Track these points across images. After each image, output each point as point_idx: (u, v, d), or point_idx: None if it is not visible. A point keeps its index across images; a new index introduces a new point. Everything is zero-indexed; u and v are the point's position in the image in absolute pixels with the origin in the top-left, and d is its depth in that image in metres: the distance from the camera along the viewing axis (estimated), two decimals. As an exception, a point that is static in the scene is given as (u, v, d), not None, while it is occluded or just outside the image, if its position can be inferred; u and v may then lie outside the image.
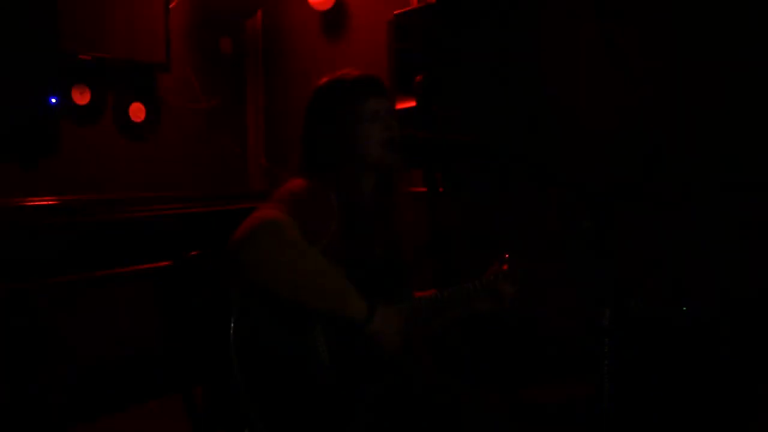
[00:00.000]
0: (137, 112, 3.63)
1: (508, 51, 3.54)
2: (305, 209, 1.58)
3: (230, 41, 4.10)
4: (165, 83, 3.77)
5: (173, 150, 3.83)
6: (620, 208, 1.63)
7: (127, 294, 3.03)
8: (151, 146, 3.72)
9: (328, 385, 1.55)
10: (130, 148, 3.62)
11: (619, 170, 3.19)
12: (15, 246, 2.69)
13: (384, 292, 1.69)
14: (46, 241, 2.80)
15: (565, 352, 3.35)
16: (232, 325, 1.50)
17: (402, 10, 3.19)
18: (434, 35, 3.06)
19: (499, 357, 3.38)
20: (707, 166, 3.05)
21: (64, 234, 2.84)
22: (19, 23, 2.28)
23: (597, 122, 3.34)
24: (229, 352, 1.48)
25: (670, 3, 3.12)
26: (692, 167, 3.03)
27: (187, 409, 1.65)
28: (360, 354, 1.60)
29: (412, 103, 3.08)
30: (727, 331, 2.81)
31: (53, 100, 2.37)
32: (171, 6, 3.65)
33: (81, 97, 3.37)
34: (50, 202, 3.14)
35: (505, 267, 1.81)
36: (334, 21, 3.97)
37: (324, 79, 1.79)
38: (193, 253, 1.75)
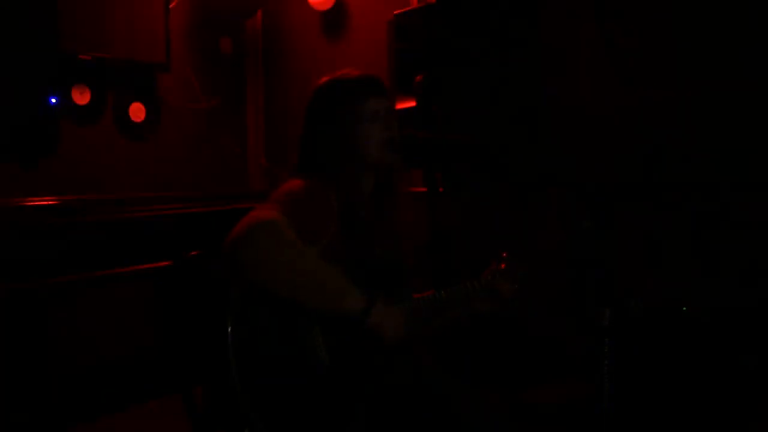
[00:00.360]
0: (137, 112, 3.63)
1: (508, 51, 3.54)
2: (303, 209, 1.58)
3: (230, 41, 4.10)
4: (165, 83, 3.77)
5: (173, 150, 3.83)
6: (620, 208, 1.63)
7: (127, 294, 3.03)
8: (151, 146, 3.71)
9: (327, 385, 1.55)
10: (130, 148, 3.61)
11: (619, 170, 3.20)
12: (15, 246, 2.69)
13: (383, 293, 1.69)
14: (46, 241, 2.80)
15: (565, 352, 3.35)
16: (230, 325, 1.50)
17: (402, 10, 3.19)
18: (434, 35, 3.06)
19: (499, 357, 3.38)
20: (707, 166, 3.05)
21: (64, 234, 2.84)
22: (19, 23, 2.28)
23: (597, 122, 3.34)
24: (228, 352, 1.48)
25: (671, 3, 3.12)
26: (692, 167, 3.03)
27: (187, 409, 1.65)
28: (359, 354, 1.60)
29: (412, 103, 3.08)
30: (727, 332, 2.82)
31: (53, 100, 2.37)
32: (171, 6, 3.65)
33: (81, 97, 3.37)
34: (50, 202, 3.14)
35: (504, 266, 1.81)
36: (334, 21, 3.97)
37: (324, 79, 1.80)
38: (193, 253, 1.75)
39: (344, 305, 1.54)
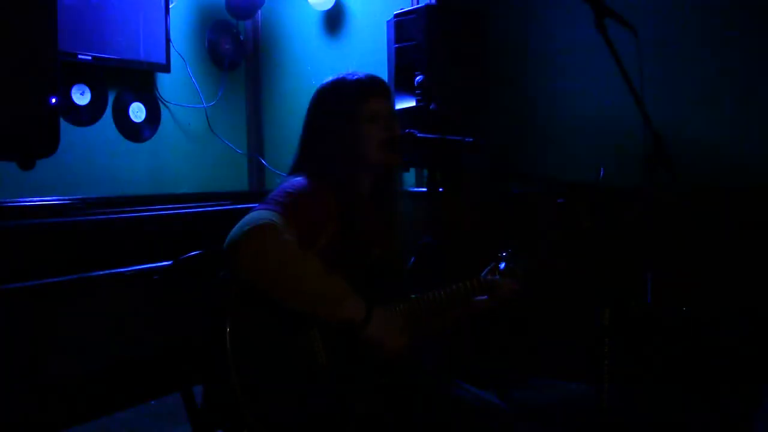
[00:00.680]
0: (137, 112, 3.63)
1: (508, 51, 3.54)
2: (302, 209, 1.57)
3: (230, 41, 4.10)
4: (165, 83, 3.77)
5: (173, 150, 3.83)
6: (621, 208, 1.63)
7: (127, 294, 3.03)
8: (151, 146, 3.71)
9: (326, 386, 1.55)
10: (130, 148, 3.61)
11: (620, 170, 3.19)
12: (14, 246, 2.69)
13: (383, 293, 1.69)
14: (46, 241, 2.80)
15: (565, 352, 3.35)
16: (229, 325, 1.50)
17: (402, 10, 3.19)
18: (434, 35, 3.06)
19: (499, 356, 3.37)
20: (707, 167, 3.05)
21: (64, 234, 2.83)
22: (19, 23, 2.27)
23: (597, 123, 3.34)
24: (227, 352, 1.48)
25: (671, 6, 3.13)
26: (692, 168, 3.03)
27: (187, 409, 1.65)
28: (357, 355, 1.59)
29: (412, 103, 3.08)
30: (727, 332, 2.81)
31: (53, 100, 2.36)
32: (171, 6, 3.65)
33: (81, 97, 3.37)
34: (50, 202, 3.14)
35: (505, 265, 1.81)
36: (334, 21, 3.97)
37: (327, 80, 1.80)
38: (193, 253, 1.75)
39: (343, 312, 1.53)
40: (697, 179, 3.02)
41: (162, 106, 3.77)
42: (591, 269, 1.63)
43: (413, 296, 1.73)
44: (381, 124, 1.74)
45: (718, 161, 3.03)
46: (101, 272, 2.84)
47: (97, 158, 3.46)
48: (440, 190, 2.71)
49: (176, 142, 3.85)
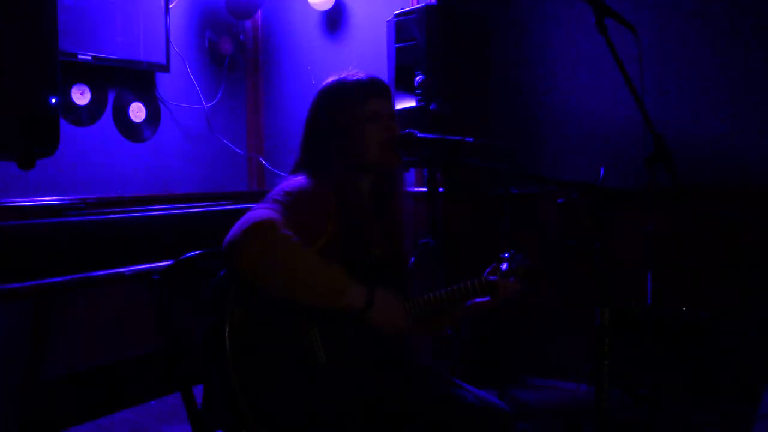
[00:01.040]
0: (137, 112, 3.63)
1: (508, 51, 3.54)
2: (301, 208, 1.57)
3: (230, 41, 4.10)
4: (165, 83, 3.77)
5: (173, 150, 3.83)
6: (621, 208, 1.63)
7: (127, 294, 3.03)
8: (151, 146, 3.71)
9: (325, 384, 1.55)
10: (130, 148, 3.61)
11: (620, 170, 3.19)
12: (14, 246, 2.69)
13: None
14: (46, 240, 2.79)
15: (565, 352, 3.35)
16: (228, 325, 1.50)
17: (402, 10, 3.20)
18: (434, 35, 3.06)
19: (499, 356, 3.38)
20: (707, 167, 3.05)
21: (64, 234, 2.83)
22: (19, 23, 2.27)
23: (597, 123, 3.34)
24: (226, 352, 1.48)
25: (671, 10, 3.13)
26: (692, 168, 3.03)
27: (187, 409, 1.65)
28: (357, 353, 1.59)
29: (412, 103, 3.08)
30: (727, 332, 2.81)
31: (53, 100, 2.36)
32: (171, 6, 3.65)
33: (81, 97, 3.37)
34: (50, 202, 3.13)
35: (507, 266, 1.81)
36: (334, 21, 3.97)
37: (328, 80, 1.80)
38: (193, 253, 1.75)
39: (346, 300, 1.53)
40: (697, 179, 3.02)
41: (162, 106, 3.77)
42: (591, 269, 1.63)
43: (415, 296, 1.73)
44: (381, 124, 1.74)
45: (718, 161, 3.03)
46: (101, 272, 2.83)
47: (97, 158, 3.46)
48: (440, 190, 2.72)
49: (176, 142, 3.85)
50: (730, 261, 2.91)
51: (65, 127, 3.22)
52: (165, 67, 3.63)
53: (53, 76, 2.37)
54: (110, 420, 2.98)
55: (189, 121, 3.92)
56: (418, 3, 3.55)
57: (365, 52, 3.82)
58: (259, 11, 4.18)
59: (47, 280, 2.65)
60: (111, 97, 3.52)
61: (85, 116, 3.41)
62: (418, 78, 3.04)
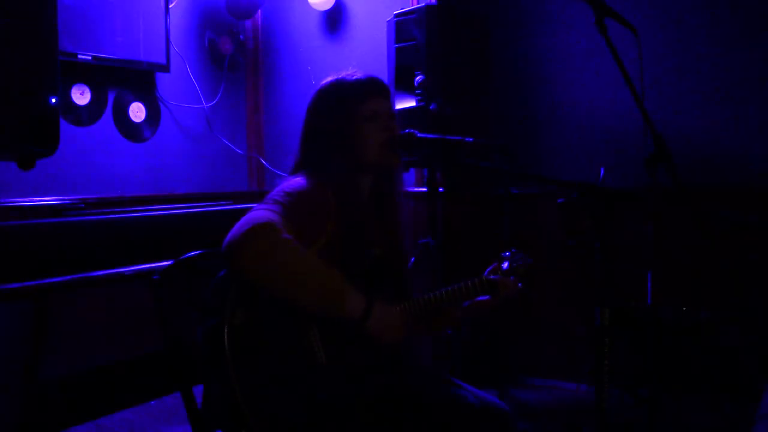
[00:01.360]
0: (137, 112, 3.63)
1: (508, 51, 3.54)
2: (300, 209, 1.57)
3: (230, 41, 4.10)
4: (165, 83, 3.77)
5: (173, 150, 3.83)
6: (621, 208, 1.63)
7: (127, 294, 3.03)
8: (151, 146, 3.71)
9: (325, 385, 1.55)
10: (130, 148, 3.61)
11: (620, 170, 3.19)
12: (14, 246, 2.69)
13: (383, 293, 1.69)
14: (45, 241, 2.79)
15: (565, 352, 3.35)
16: (227, 325, 1.50)
17: (402, 10, 3.20)
18: (434, 35, 3.06)
19: (499, 356, 3.37)
20: (707, 167, 3.05)
21: (63, 234, 2.83)
22: (19, 23, 2.27)
23: (597, 123, 3.34)
24: (225, 352, 1.48)
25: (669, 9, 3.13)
26: (692, 168, 3.03)
27: (187, 409, 1.65)
28: (357, 354, 1.59)
29: (412, 103, 3.08)
30: (727, 332, 2.81)
31: (53, 100, 2.36)
32: (171, 6, 3.65)
33: (81, 97, 3.37)
34: (50, 202, 3.13)
35: (508, 265, 1.81)
36: (334, 21, 3.97)
37: (327, 80, 1.80)
38: (193, 253, 1.75)
39: (344, 308, 1.53)
40: (697, 179, 3.02)
41: (162, 106, 3.77)
42: (591, 269, 1.63)
43: (415, 296, 1.73)
44: (380, 124, 1.74)
45: (718, 161, 3.03)
46: (101, 272, 2.83)
47: (97, 158, 3.46)
48: (440, 190, 2.72)
49: (176, 142, 3.85)
50: (730, 261, 2.91)
51: (65, 127, 3.22)
52: (165, 67, 3.63)
53: (53, 76, 2.37)
54: (110, 420, 2.98)
55: (189, 121, 3.92)
56: (418, 3, 3.55)
57: (365, 52, 3.82)
58: (259, 11, 4.18)
59: (47, 280, 2.65)
60: (111, 97, 3.52)
61: (85, 116, 3.41)
62: (418, 78, 3.04)
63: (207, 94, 3.98)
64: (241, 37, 4.18)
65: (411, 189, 3.58)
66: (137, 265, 2.95)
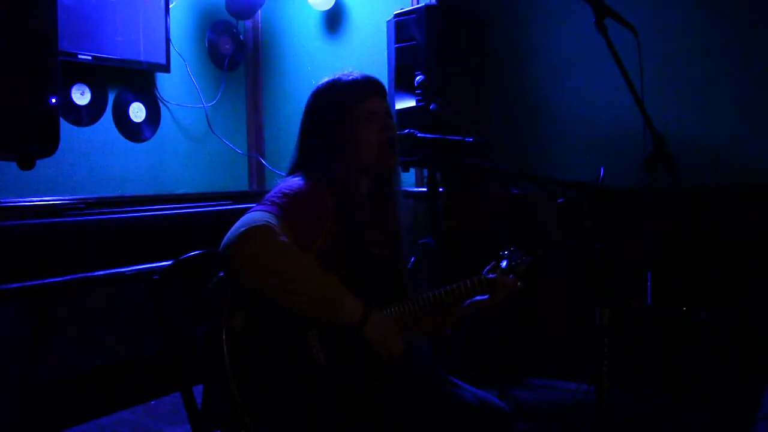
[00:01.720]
0: (137, 112, 3.63)
1: (508, 51, 3.54)
2: (298, 210, 1.57)
3: (230, 41, 4.10)
4: (165, 83, 3.77)
5: (173, 150, 3.83)
6: (621, 208, 1.63)
7: (127, 294, 3.03)
8: (151, 146, 3.71)
9: (323, 386, 1.54)
10: (130, 148, 3.61)
11: (620, 170, 3.19)
12: (14, 246, 2.69)
13: (382, 293, 1.69)
14: (45, 241, 2.79)
15: (565, 352, 3.35)
16: (226, 326, 1.50)
17: (402, 10, 3.20)
18: (434, 35, 3.06)
19: (499, 356, 3.37)
20: (707, 167, 3.05)
21: (64, 234, 2.83)
22: (19, 23, 2.27)
23: (597, 123, 3.34)
24: (224, 353, 1.48)
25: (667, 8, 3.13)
26: (692, 168, 3.03)
27: (187, 409, 1.65)
28: (355, 355, 1.59)
29: (412, 103, 3.08)
30: (727, 332, 2.81)
31: (53, 100, 2.36)
32: (171, 6, 3.65)
33: (81, 97, 3.37)
34: (50, 202, 3.13)
35: (506, 264, 1.81)
36: (334, 20, 3.97)
37: (323, 80, 1.80)
38: (193, 253, 1.75)
39: (340, 314, 1.53)
40: (697, 179, 3.02)
41: (162, 106, 3.77)
42: (591, 269, 1.63)
43: (415, 296, 1.73)
44: (377, 124, 1.74)
45: (718, 161, 3.03)
46: (101, 272, 2.83)
47: (97, 158, 3.46)
48: (440, 190, 2.72)
49: (176, 142, 3.85)
50: (730, 261, 2.91)
51: (65, 127, 3.21)
52: (165, 67, 3.63)
53: (53, 76, 2.37)
54: (110, 420, 2.98)
55: (189, 121, 3.92)
56: (418, 3, 3.55)
57: (365, 52, 3.81)
58: (259, 11, 4.18)
59: (47, 280, 2.65)
60: (111, 97, 3.52)
61: (85, 116, 3.41)
62: (418, 78, 3.04)
63: (207, 94, 3.98)
64: (241, 37, 4.18)
65: (411, 189, 3.58)
66: (137, 265, 2.95)
